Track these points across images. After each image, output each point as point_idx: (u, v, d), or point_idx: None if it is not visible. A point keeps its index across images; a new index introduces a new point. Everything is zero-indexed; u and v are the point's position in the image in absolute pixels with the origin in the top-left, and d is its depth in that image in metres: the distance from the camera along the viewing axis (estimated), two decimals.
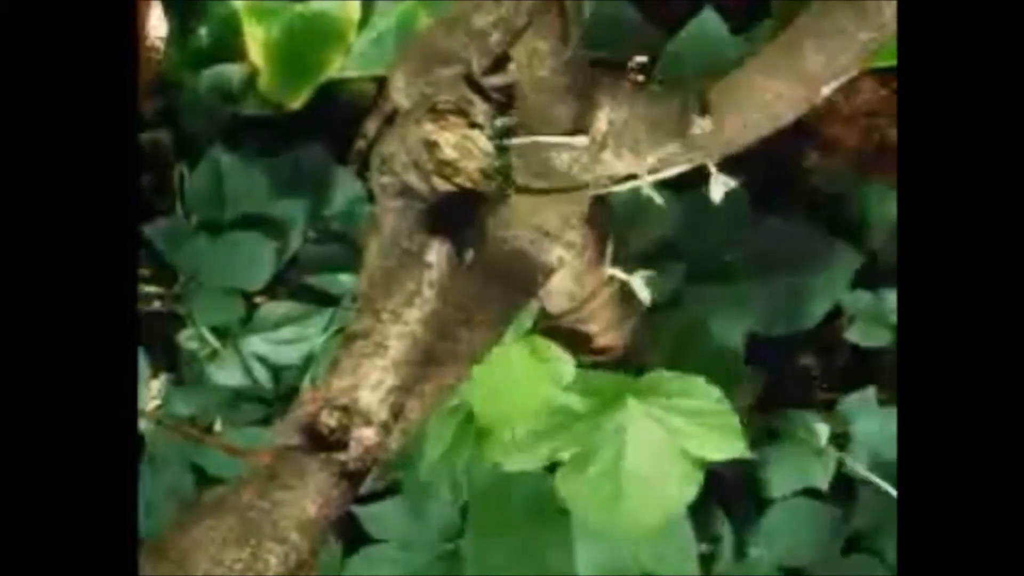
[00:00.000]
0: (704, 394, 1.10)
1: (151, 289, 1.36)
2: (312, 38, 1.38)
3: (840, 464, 1.30)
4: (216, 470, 1.30)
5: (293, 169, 1.40)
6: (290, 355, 1.34)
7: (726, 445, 1.10)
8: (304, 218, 1.37)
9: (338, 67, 1.37)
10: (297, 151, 1.40)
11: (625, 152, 0.89)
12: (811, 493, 1.30)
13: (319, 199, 1.39)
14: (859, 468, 1.31)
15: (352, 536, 1.31)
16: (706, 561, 1.25)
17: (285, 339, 1.34)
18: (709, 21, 1.30)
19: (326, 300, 1.35)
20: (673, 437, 1.11)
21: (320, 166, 1.40)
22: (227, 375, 1.34)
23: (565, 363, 1.10)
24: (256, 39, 1.40)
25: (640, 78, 0.89)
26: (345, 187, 1.40)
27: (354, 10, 1.36)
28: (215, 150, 1.38)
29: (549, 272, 1.02)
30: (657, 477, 1.12)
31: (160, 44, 1.32)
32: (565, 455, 1.13)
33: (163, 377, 1.36)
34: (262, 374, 1.34)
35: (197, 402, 1.35)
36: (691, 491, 1.12)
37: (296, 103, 1.39)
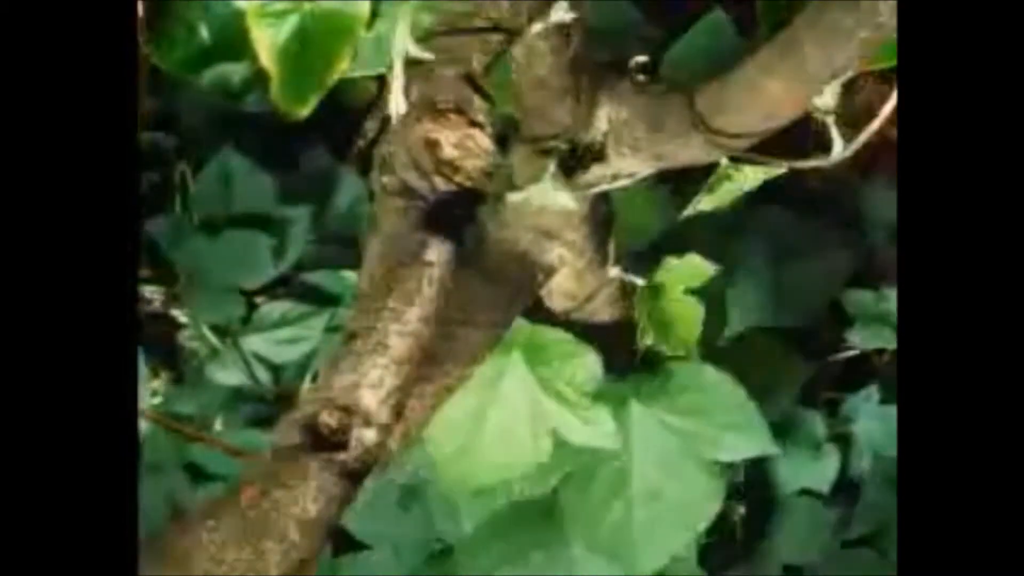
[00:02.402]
0: (719, 389, 1.06)
1: (151, 289, 1.36)
2: (323, 39, 1.37)
3: (842, 463, 1.30)
4: (215, 470, 1.30)
5: (295, 169, 1.39)
6: (290, 355, 1.33)
7: (750, 442, 1.06)
8: (308, 218, 1.37)
9: (345, 67, 1.37)
10: (299, 151, 1.40)
11: (625, 151, 0.89)
12: (813, 492, 1.30)
13: (322, 199, 1.39)
14: (860, 467, 1.31)
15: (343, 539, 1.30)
16: (708, 559, 1.25)
17: (285, 339, 1.33)
18: (717, 22, 1.29)
19: (326, 300, 1.35)
20: (686, 443, 1.06)
21: (322, 166, 1.40)
22: (227, 374, 1.34)
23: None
24: (264, 44, 1.38)
25: (641, 78, 0.89)
26: (347, 186, 1.39)
27: (363, 7, 1.35)
28: (225, 152, 1.37)
29: (549, 272, 1.01)
30: (671, 493, 1.07)
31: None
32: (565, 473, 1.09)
33: (163, 376, 1.36)
34: (262, 374, 1.34)
35: (197, 401, 1.35)
36: (714, 506, 1.06)
37: (305, 111, 1.38)
